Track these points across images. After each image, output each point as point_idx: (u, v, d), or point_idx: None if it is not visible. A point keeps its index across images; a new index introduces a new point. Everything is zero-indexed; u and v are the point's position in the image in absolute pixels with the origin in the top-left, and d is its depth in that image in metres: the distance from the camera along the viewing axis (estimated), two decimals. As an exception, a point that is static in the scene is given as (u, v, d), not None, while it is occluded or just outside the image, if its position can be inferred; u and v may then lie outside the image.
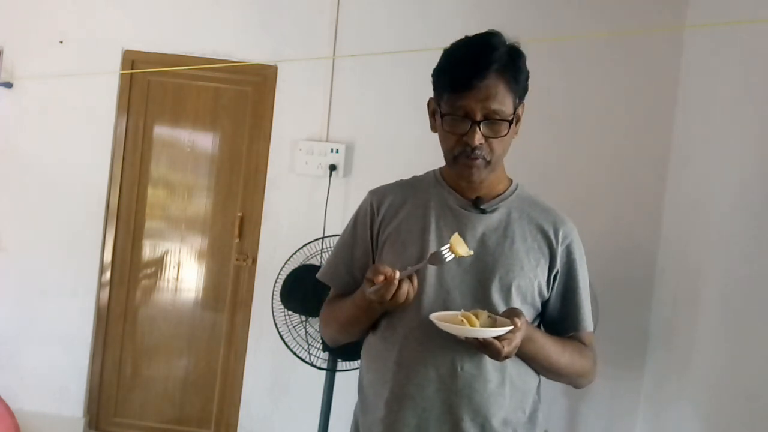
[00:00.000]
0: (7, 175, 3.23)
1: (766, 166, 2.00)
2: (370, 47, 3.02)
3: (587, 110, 2.98)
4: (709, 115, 2.55)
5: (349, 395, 2.87)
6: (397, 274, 1.20)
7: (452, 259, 1.25)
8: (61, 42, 3.19)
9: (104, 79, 3.18)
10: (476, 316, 1.22)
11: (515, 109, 1.31)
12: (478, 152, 1.28)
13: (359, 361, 2.54)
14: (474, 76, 1.25)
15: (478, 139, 1.26)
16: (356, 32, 3.08)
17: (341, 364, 2.61)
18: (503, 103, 1.27)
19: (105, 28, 3.19)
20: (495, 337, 1.18)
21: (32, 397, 3.19)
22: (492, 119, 1.27)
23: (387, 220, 1.39)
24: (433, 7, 3.05)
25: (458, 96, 1.27)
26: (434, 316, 1.23)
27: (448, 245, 1.26)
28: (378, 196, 1.44)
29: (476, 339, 1.19)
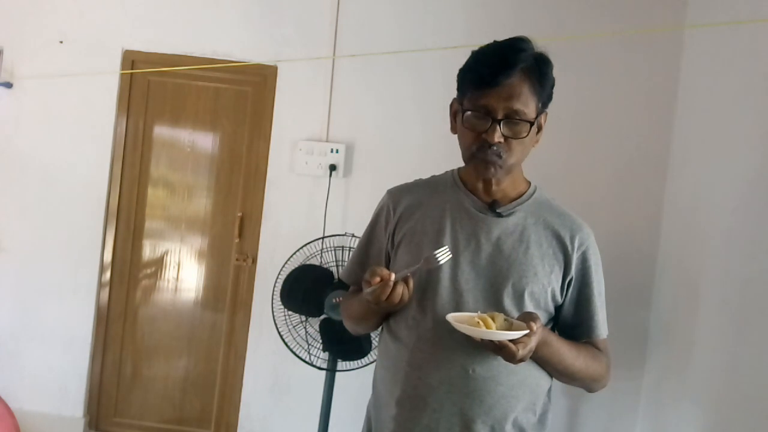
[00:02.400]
0: (7, 175, 3.23)
1: (766, 166, 2.00)
2: (370, 47, 3.01)
3: (587, 110, 2.98)
4: (709, 115, 2.54)
5: (349, 395, 2.88)
6: (392, 276, 1.23)
7: (446, 262, 1.27)
8: (61, 42, 3.19)
9: (104, 79, 3.18)
10: (492, 318, 1.22)
11: (538, 113, 1.31)
12: (495, 149, 1.28)
13: (359, 361, 2.56)
14: (500, 72, 1.25)
15: (497, 137, 1.27)
16: (356, 32, 3.08)
17: (341, 364, 2.61)
18: (526, 104, 1.28)
19: (105, 28, 3.19)
20: (510, 340, 1.19)
21: (32, 397, 3.19)
22: (513, 119, 1.27)
23: (403, 221, 1.41)
24: (433, 7, 3.04)
25: (482, 93, 1.27)
26: (451, 317, 1.23)
27: (444, 248, 1.28)
28: (395, 196, 1.45)
29: (491, 341, 1.20)
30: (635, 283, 2.90)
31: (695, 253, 2.50)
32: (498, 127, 1.27)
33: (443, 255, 1.27)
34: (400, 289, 1.25)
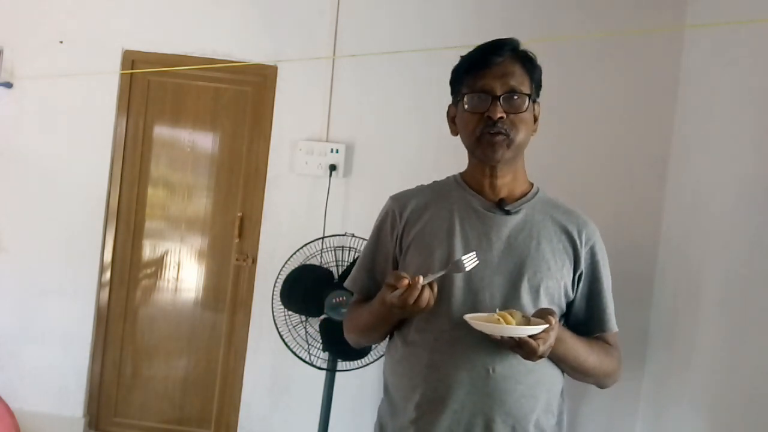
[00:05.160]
0: (7, 175, 3.23)
1: (765, 166, 2.00)
2: (370, 47, 3.01)
3: (588, 110, 2.98)
4: (709, 114, 2.54)
5: (349, 395, 2.88)
6: (421, 279, 1.22)
7: (473, 267, 1.27)
8: (61, 42, 3.19)
9: (104, 79, 3.18)
10: (511, 315, 1.23)
11: (532, 93, 1.35)
12: (500, 126, 1.31)
13: (359, 360, 2.56)
14: (491, 53, 1.33)
15: (499, 112, 1.31)
16: (356, 32, 3.08)
17: (341, 364, 2.61)
18: (521, 82, 1.34)
19: (105, 28, 3.19)
20: (530, 336, 1.19)
21: (32, 397, 3.19)
22: (511, 95, 1.32)
23: (411, 224, 1.41)
24: (432, 8, 3.05)
25: (478, 76, 1.34)
26: (468, 317, 1.23)
27: (471, 253, 1.28)
28: (400, 201, 1.46)
29: (511, 338, 1.20)
30: (635, 282, 2.90)
31: (695, 253, 2.50)
32: (498, 102, 1.31)
33: (470, 261, 1.26)
34: (427, 293, 1.23)
